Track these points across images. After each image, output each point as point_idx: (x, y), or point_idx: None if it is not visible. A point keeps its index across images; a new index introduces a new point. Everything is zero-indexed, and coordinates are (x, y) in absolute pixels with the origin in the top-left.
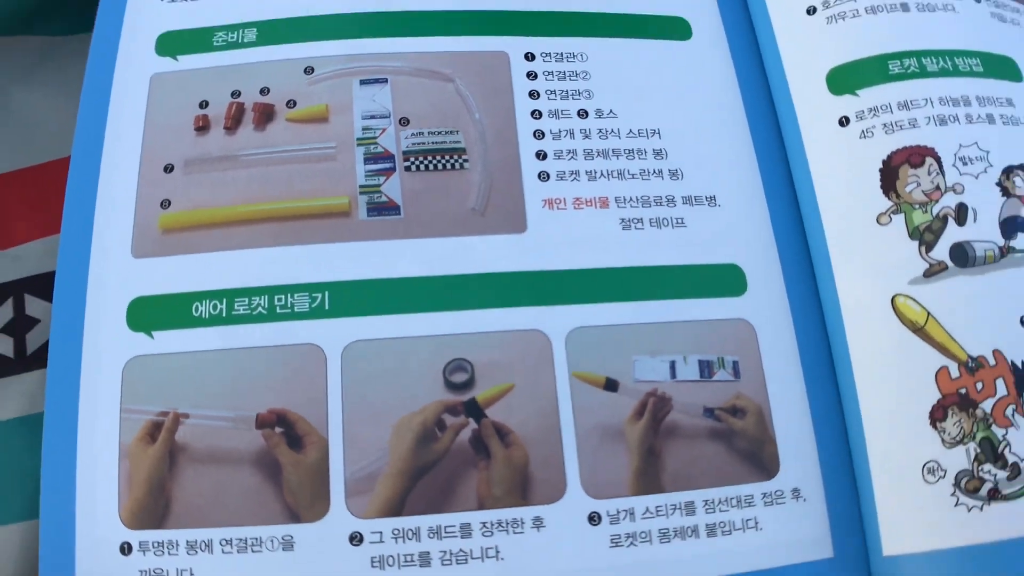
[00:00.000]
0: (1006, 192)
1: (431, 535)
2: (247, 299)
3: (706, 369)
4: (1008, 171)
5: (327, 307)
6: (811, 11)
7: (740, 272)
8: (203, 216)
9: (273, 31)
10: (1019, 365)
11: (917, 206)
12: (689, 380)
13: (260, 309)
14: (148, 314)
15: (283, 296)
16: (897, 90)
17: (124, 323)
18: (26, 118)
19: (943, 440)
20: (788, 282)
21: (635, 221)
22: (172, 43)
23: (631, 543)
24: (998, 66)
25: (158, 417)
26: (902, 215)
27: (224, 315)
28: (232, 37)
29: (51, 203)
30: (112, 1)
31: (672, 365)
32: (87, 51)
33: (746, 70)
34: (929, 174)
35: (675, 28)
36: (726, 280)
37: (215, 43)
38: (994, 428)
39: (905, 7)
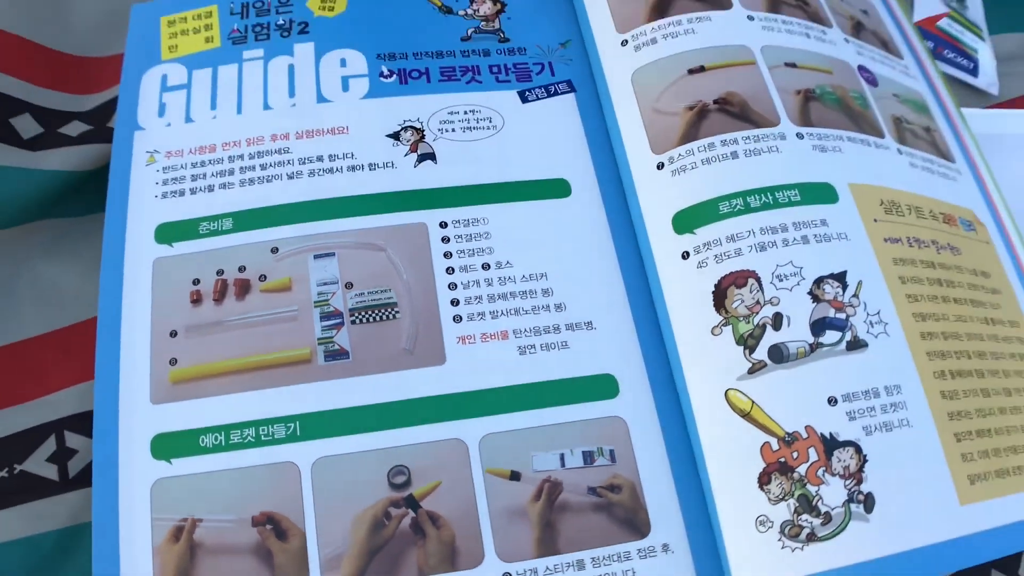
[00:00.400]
0: (816, 299)
1: None
2: (240, 431)
3: (588, 457)
4: (818, 281)
5: (299, 433)
6: (660, 167)
7: (613, 380)
8: (203, 370)
9: (245, 220)
10: (827, 436)
11: (742, 319)
12: (575, 467)
13: (249, 438)
14: (167, 447)
15: (266, 427)
16: (726, 226)
17: (149, 454)
18: (53, 288)
19: (769, 499)
20: (652, 384)
21: (529, 347)
22: (167, 233)
23: None
24: (815, 192)
25: (180, 522)
26: (730, 326)
27: (223, 444)
28: (213, 226)
29: (79, 356)
30: (117, 199)
31: (562, 457)
32: (99, 230)
33: (615, 217)
34: (751, 292)
35: (557, 188)
36: (602, 387)
37: (200, 231)
38: (808, 487)
39: (735, 155)
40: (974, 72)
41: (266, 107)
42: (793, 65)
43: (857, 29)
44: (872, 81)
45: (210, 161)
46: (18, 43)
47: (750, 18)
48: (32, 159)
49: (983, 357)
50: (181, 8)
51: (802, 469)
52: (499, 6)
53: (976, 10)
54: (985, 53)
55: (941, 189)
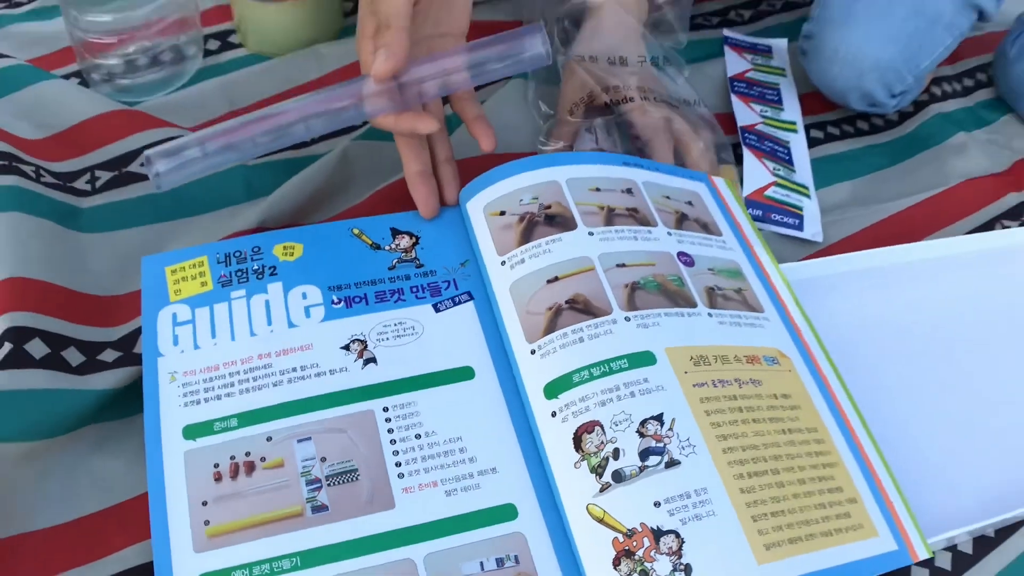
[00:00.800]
0: (641, 435)
1: None
2: (259, 566)
3: (500, 562)
4: (643, 422)
5: (299, 565)
6: (533, 352)
7: (514, 507)
8: (229, 527)
9: (246, 418)
10: (655, 528)
11: (592, 455)
12: (492, 570)
13: (266, 571)
14: None
15: (277, 562)
16: (578, 391)
17: None
18: (105, 475)
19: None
20: (541, 506)
21: (453, 491)
22: (191, 432)
23: None
24: (639, 359)
25: None
26: (586, 461)
27: None
28: (224, 425)
29: (133, 524)
30: (152, 410)
31: (481, 564)
32: (135, 429)
33: (507, 390)
34: (597, 436)
35: (465, 374)
36: (506, 513)
37: (215, 429)
38: (646, 564)
39: (581, 339)
40: (800, 227)
41: (252, 334)
42: (623, 264)
43: (681, 220)
44: (689, 263)
45: (216, 377)
46: (57, 291)
47: (591, 233)
48: (80, 382)
49: (779, 459)
50: (179, 259)
51: (640, 553)
52: (414, 239)
53: (804, 172)
54: (811, 208)
55: (747, 337)
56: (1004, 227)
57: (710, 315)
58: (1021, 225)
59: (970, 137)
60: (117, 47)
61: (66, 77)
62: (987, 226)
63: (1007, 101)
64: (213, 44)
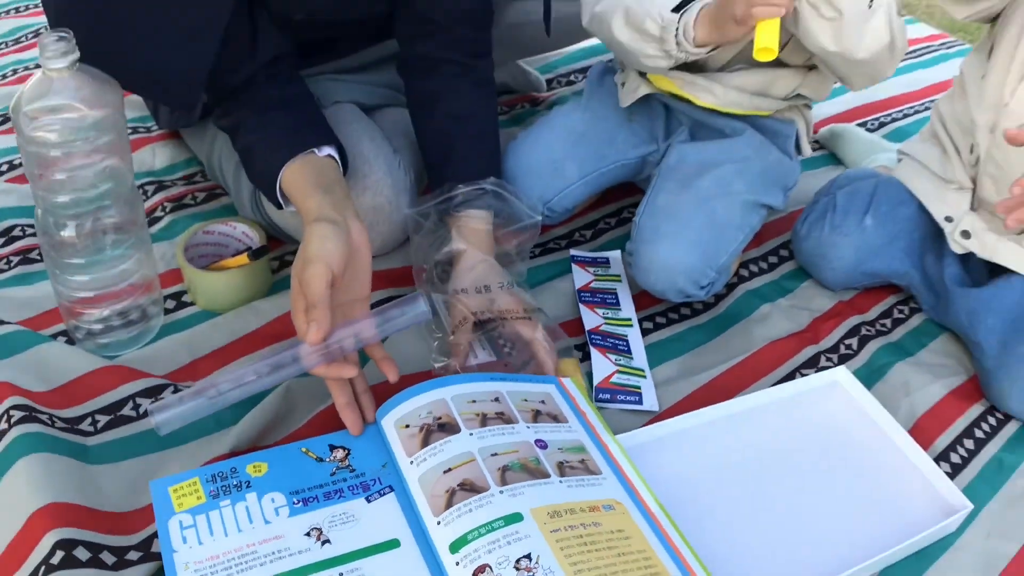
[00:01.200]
0: (518, 569)
1: None
2: None
3: None
4: (518, 560)
5: None
6: (439, 523)
7: None
8: None
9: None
10: None
11: None
12: None
13: None
14: None
15: None
16: (472, 546)
17: None
18: None
19: None
20: None
21: None
22: None
23: None
24: (511, 519)
25: None
26: None
27: None
28: None
29: None
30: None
31: None
32: None
33: (425, 552)
34: (488, 574)
35: (393, 544)
36: None
37: None
38: None
39: (471, 510)
40: (640, 402)
41: (239, 531)
42: (496, 454)
43: (536, 415)
44: (544, 446)
45: (218, 563)
46: (86, 510)
47: (471, 434)
48: None
49: (616, 574)
50: (178, 481)
51: None
52: (347, 451)
53: (640, 358)
54: (647, 386)
55: (589, 493)
56: (802, 375)
57: (560, 482)
58: (817, 371)
59: (773, 306)
60: (95, 311)
61: (55, 335)
62: (789, 377)
63: (806, 269)
64: (170, 303)
